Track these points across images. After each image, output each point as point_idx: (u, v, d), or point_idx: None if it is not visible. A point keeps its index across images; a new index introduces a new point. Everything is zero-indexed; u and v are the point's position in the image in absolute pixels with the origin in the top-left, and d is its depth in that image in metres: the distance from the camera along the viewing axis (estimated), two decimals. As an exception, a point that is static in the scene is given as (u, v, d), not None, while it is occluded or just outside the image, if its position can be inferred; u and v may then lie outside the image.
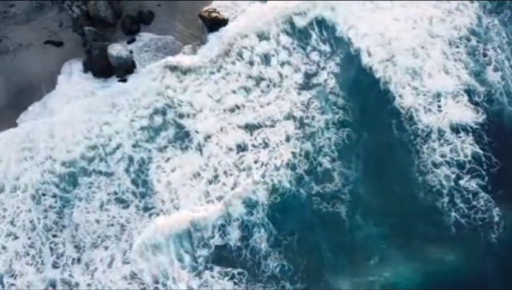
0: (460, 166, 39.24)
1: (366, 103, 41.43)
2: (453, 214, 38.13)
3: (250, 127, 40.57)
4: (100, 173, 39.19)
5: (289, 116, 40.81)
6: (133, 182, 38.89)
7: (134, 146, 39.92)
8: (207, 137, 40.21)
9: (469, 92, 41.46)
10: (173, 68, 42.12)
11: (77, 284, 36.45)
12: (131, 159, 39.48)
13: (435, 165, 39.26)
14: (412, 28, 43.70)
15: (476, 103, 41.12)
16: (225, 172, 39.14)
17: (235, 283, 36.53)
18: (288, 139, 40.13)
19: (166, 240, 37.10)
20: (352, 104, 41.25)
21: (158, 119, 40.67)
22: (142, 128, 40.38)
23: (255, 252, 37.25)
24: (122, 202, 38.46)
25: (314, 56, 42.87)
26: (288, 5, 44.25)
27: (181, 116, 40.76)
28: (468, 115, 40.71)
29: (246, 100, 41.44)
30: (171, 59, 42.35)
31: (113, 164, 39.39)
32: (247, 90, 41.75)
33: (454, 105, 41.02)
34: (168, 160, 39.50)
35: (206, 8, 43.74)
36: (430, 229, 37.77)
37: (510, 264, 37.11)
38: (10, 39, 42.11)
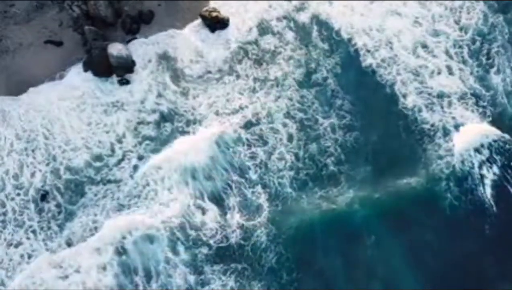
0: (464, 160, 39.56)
1: (370, 104, 41.34)
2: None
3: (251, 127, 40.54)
4: (108, 181, 38.93)
5: (291, 116, 40.85)
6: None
7: (135, 145, 39.88)
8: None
9: (472, 93, 41.36)
10: (175, 69, 42.07)
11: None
12: (135, 167, 39.24)
13: (440, 160, 39.43)
14: (414, 25, 43.72)
15: (479, 104, 41.04)
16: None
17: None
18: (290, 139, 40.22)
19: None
20: (356, 105, 41.17)
21: (158, 121, 40.53)
22: (144, 130, 40.26)
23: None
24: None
25: (316, 54, 42.75)
26: (287, 2, 44.39)
27: (183, 119, 40.58)
28: (472, 115, 40.68)
29: (250, 100, 41.42)
30: (173, 59, 42.28)
31: (117, 170, 39.18)
32: (251, 90, 41.69)
33: (458, 106, 40.97)
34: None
35: (206, 7, 43.63)
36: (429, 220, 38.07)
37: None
38: (10, 39, 41.97)
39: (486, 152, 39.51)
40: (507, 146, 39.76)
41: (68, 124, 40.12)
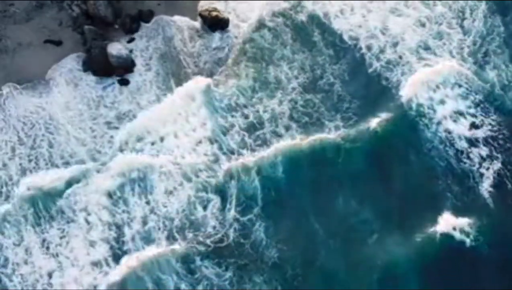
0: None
1: (373, 102, 41.22)
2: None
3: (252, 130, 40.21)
4: None
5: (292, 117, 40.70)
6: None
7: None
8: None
9: (475, 92, 41.38)
10: (175, 68, 41.82)
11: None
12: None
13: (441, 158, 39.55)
14: (416, 25, 43.65)
15: (481, 103, 41.05)
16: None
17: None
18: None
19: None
20: (360, 104, 40.99)
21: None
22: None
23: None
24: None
25: (318, 56, 42.56)
26: (288, 2, 44.34)
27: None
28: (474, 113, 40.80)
29: (249, 102, 41.15)
30: (173, 59, 42.09)
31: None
32: (251, 90, 41.44)
33: (461, 105, 40.96)
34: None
35: (206, 7, 43.48)
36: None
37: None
38: (9, 38, 41.79)
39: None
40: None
41: (71, 134, 39.74)
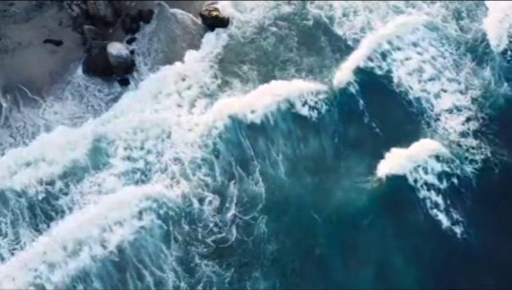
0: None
1: (375, 99, 41.21)
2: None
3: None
4: None
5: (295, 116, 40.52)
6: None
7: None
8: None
9: (473, 90, 41.48)
10: (175, 68, 41.62)
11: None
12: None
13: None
14: (415, 24, 43.71)
15: (478, 102, 41.15)
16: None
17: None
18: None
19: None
20: (364, 103, 40.91)
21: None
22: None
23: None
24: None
25: (320, 55, 42.56)
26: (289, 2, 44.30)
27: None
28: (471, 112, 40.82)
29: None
30: (173, 59, 41.96)
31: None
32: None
33: (459, 104, 41.01)
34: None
35: (206, 6, 43.46)
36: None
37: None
38: (9, 38, 41.70)
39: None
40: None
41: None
